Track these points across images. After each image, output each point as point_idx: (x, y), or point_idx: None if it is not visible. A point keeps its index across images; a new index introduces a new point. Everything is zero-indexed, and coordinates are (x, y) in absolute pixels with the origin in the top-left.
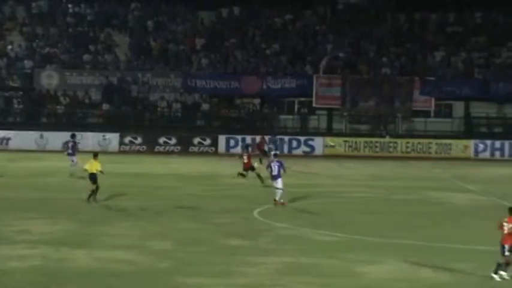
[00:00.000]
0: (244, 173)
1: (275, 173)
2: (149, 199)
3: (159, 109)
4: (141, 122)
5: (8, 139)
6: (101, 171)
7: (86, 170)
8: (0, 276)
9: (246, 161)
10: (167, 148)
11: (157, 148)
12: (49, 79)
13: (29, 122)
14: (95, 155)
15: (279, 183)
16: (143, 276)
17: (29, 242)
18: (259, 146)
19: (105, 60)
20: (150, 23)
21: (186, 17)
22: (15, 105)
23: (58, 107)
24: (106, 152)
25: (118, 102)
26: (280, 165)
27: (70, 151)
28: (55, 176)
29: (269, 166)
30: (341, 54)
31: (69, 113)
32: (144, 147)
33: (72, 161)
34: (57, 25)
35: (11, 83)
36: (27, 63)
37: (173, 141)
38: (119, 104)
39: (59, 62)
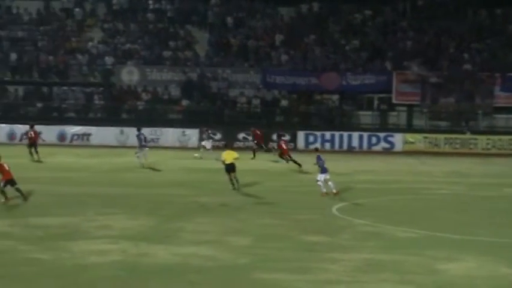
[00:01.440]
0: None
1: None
2: (229, 195)
3: (238, 105)
4: (221, 118)
5: (89, 135)
6: (237, 158)
7: (223, 161)
8: (81, 270)
9: (285, 147)
10: (246, 144)
11: (236, 144)
12: (129, 75)
13: (110, 118)
14: (226, 145)
15: (320, 176)
16: (223, 272)
17: (110, 237)
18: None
19: (185, 57)
20: (229, 19)
21: (265, 13)
22: (96, 101)
23: (138, 103)
24: (186, 148)
25: (197, 98)
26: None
27: (144, 143)
28: (135, 172)
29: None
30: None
31: (149, 109)
32: (224, 142)
33: (143, 154)
34: (137, 21)
35: (92, 79)
36: (108, 60)
37: (252, 137)
38: (198, 100)
39: (140, 58)
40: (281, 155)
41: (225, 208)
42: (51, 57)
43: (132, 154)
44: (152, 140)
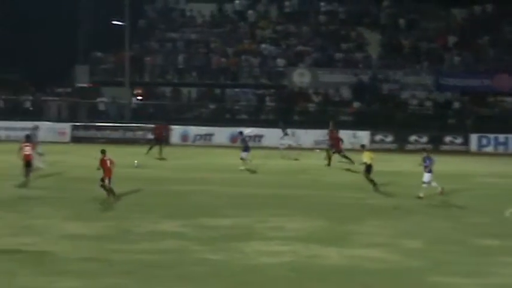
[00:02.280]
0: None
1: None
2: (401, 197)
3: (410, 107)
4: (392, 120)
5: (261, 136)
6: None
7: (365, 163)
8: (252, 271)
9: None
10: (418, 146)
11: (407, 146)
12: (301, 77)
13: (281, 119)
14: (363, 146)
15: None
16: (396, 275)
17: (282, 239)
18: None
19: (357, 58)
20: (401, 21)
21: (438, 15)
22: (268, 103)
23: (309, 104)
24: (357, 150)
25: (369, 100)
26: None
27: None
28: (307, 173)
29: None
30: None
31: (320, 110)
32: (395, 145)
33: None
34: (309, 23)
35: (263, 81)
36: (280, 62)
37: (424, 139)
38: (369, 102)
39: (311, 60)
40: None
41: (396, 210)
42: (223, 59)
43: (304, 156)
44: (323, 141)
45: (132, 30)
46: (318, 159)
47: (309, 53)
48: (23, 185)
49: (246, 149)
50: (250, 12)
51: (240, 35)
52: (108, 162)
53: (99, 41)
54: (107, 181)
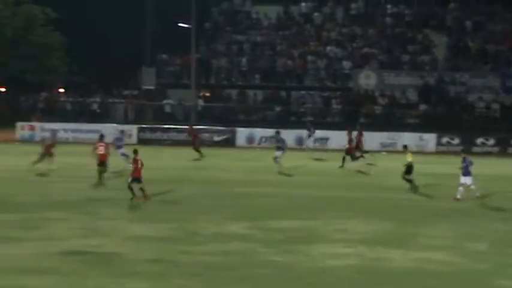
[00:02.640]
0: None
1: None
2: (465, 200)
3: (476, 110)
4: (459, 123)
5: (327, 139)
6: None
7: (409, 163)
8: (318, 274)
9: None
10: (485, 149)
11: (474, 149)
12: (367, 79)
13: (347, 122)
14: (405, 146)
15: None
16: (460, 277)
17: (347, 241)
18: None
19: (423, 61)
20: (468, 23)
21: (504, 17)
22: (334, 106)
23: (375, 107)
24: (423, 153)
25: (435, 102)
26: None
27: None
28: (369, 176)
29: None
30: None
31: (387, 113)
32: (462, 147)
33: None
34: (375, 25)
35: (329, 84)
36: (346, 64)
37: (491, 142)
38: (435, 105)
39: (377, 63)
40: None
41: (458, 213)
42: (289, 62)
43: (368, 158)
44: (389, 144)
45: (198, 33)
46: (384, 161)
47: (375, 55)
48: (97, 186)
49: (280, 148)
50: (316, 14)
51: (305, 37)
52: (139, 162)
53: (165, 43)
54: (130, 179)
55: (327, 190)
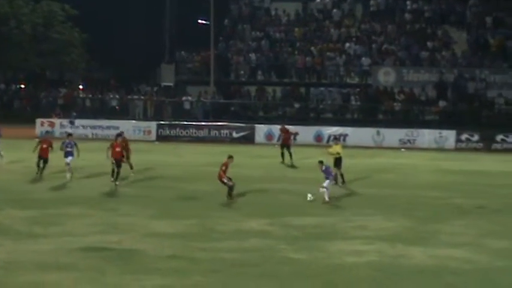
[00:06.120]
0: None
1: None
2: (486, 197)
3: (496, 106)
4: (478, 120)
5: (346, 135)
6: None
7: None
8: (337, 270)
9: None
10: (505, 146)
11: (494, 146)
12: (386, 76)
13: (366, 118)
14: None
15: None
16: (481, 275)
17: (366, 238)
18: None
19: (442, 57)
20: (488, 19)
21: None
22: (353, 102)
23: (394, 103)
24: (442, 150)
25: (454, 99)
26: None
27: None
28: (390, 173)
29: None
30: None
31: (406, 109)
32: (481, 144)
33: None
34: (394, 22)
35: (348, 80)
36: (365, 61)
37: (511, 138)
38: (455, 101)
39: (396, 59)
40: None
41: (482, 210)
42: (308, 58)
43: (388, 155)
44: (408, 141)
45: (217, 30)
46: (403, 158)
47: (394, 51)
48: (113, 182)
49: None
50: (335, 10)
51: (325, 33)
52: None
53: (184, 40)
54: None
55: (347, 187)
